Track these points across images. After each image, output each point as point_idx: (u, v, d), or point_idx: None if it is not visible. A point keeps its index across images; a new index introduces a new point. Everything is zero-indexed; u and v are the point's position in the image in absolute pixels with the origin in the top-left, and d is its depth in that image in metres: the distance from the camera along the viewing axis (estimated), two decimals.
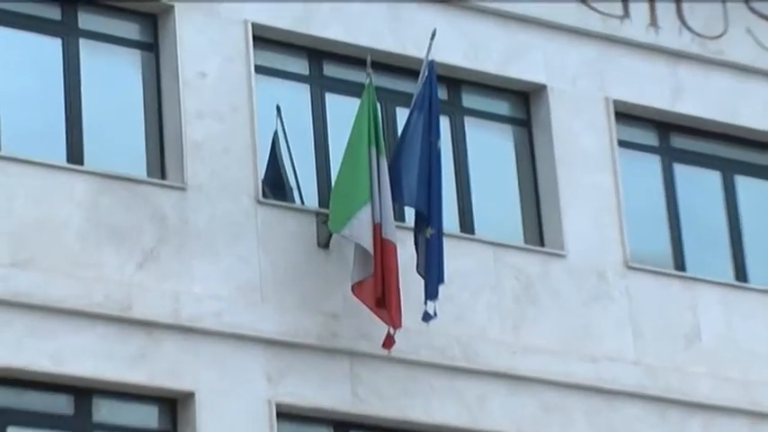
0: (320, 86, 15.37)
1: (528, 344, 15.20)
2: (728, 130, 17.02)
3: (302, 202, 14.92)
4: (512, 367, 15.00)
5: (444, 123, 15.23)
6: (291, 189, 15.02)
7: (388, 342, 13.51)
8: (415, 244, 14.18)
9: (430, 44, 14.02)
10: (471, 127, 16.32)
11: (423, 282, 13.94)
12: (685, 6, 17.06)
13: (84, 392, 12.86)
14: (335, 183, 14.33)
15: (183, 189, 13.75)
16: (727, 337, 16.31)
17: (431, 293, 14.00)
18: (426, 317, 13.83)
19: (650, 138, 17.12)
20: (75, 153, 13.36)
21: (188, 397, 13.22)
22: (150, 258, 13.44)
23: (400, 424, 14.27)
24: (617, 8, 16.48)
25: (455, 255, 14.62)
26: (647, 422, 15.35)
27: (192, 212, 13.87)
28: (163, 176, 13.98)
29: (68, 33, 13.66)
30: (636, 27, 16.78)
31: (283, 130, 14.90)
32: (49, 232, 12.86)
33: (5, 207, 12.44)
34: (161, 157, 14.14)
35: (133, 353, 13.01)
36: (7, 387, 12.35)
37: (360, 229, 13.79)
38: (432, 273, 14.11)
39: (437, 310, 13.94)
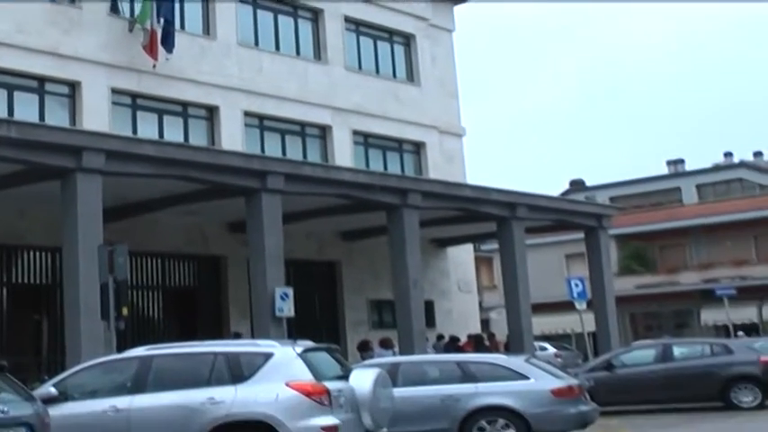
0: None
1: (206, 70, 27.55)
2: None
3: (124, 14, 26.17)
4: (199, 75, 27.27)
5: None
6: (120, 10, 26.17)
7: (154, 66, 25.77)
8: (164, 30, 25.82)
9: None
10: None
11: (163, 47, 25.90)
12: None
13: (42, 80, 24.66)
14: (140, 9, 25.87)
15: (80, 9, 25.29)
16: None
17: (168, 49, 26.00)
18: (166, 58, 25.97)
19: None
20: None
21: (78, 83, 24.88)
22: (64, 33, 24.80)
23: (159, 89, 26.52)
24: None
25: (178, 36, 26.53)
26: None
27: (83, 18, 25.25)
28: (74, 3, 25.38)
29: None
30: None
31: None
32: (26, 21, 24.33)
33: None
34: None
35: (56, 65, 24.58)
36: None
37: (147, 23, 25.58)
38: (169, 42, 25.96)
39: (169, 56, 25.94)
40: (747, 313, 49.39)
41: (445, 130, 35.40)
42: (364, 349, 24.78)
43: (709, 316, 50.70)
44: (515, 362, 16.55)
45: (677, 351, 24.21)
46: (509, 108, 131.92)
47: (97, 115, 25.02)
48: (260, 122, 29.47)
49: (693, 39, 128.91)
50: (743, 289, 46.56)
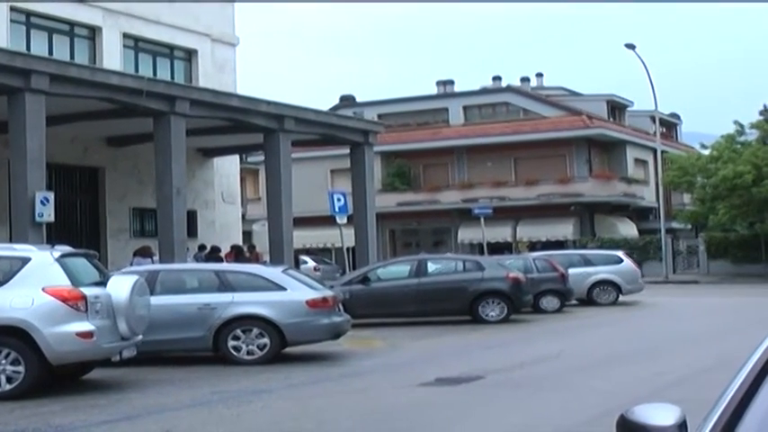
0: None
1: None
2: None
3: None
4: None
5: None
6: None
7: None
8: None
9: None
10: None
11: None
12: None
13: None
14: None
15: None
16: None
17: None
18: None
19: None
20: None
21: None
22: None
23: None
24: None
25: None
26: None
27: None
28: None
29: None
30: None
31: None
32: None
33: None
34: None
35: None
36: None
37: None
38: None
39: None
40: (502, 233, 51.79)
41: (218, 39, 35.26)
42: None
43: (465, 234, 52.90)
44: (272, 273, 17.13)
45: (431, 267, 25.36)
46: (288, 21, 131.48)
47: None
48: (27, 19, 28.63)
49: None
50: (500, 209, 48.78)
